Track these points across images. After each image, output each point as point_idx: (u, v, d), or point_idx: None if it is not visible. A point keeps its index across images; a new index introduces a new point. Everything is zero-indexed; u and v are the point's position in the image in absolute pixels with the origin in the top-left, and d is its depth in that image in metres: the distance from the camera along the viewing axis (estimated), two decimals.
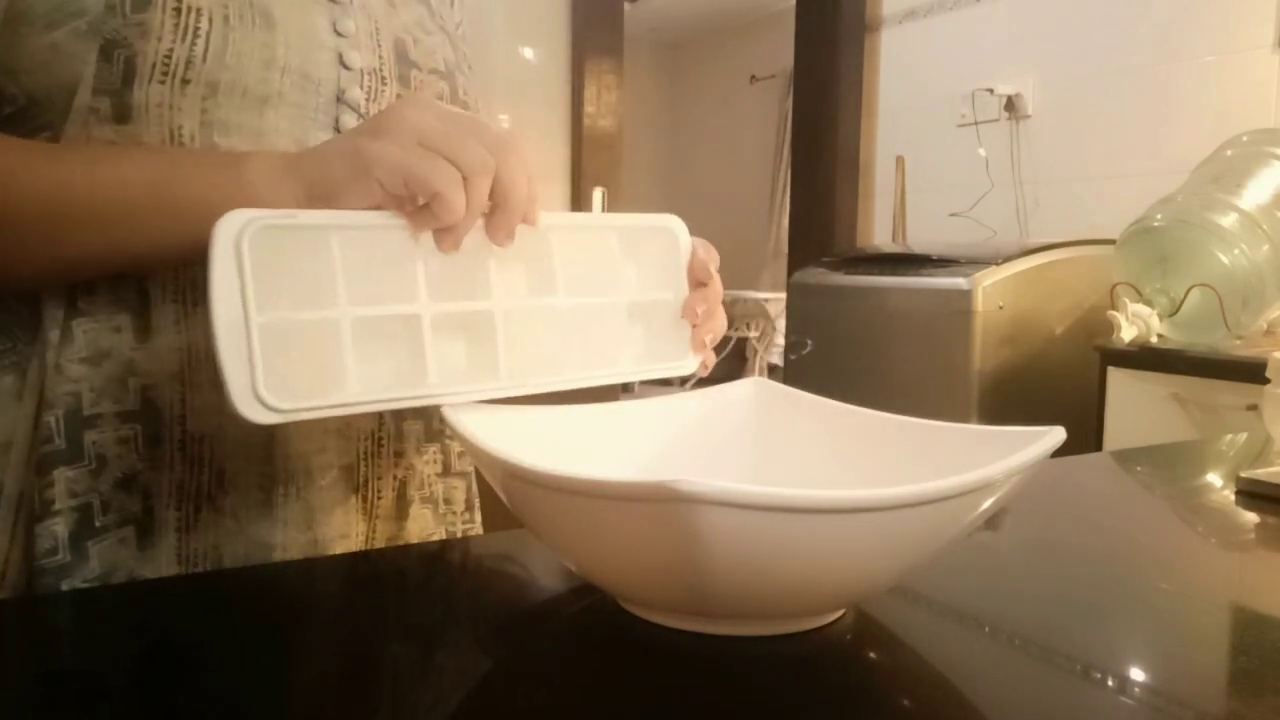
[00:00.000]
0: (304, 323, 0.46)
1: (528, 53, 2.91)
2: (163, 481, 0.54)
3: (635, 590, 0.43)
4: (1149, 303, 1.79)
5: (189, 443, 0.54)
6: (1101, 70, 2.39)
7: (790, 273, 2.62)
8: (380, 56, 0.60)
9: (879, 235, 3.05)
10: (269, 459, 0.56)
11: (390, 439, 0.62)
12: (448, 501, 0.67)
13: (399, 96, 0.61)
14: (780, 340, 4.88)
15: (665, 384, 5.77)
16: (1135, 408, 1.76)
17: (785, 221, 4.36)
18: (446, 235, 0.49)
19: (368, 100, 0.59)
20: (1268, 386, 0.77)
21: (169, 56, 0.51)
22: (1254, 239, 1.71)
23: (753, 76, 6.18)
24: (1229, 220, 1.73)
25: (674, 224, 0.59)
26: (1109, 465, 0.87)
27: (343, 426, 0.59)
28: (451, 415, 0.47)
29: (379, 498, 0.61)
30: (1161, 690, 0.39)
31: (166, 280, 0.54)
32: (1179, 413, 1.68)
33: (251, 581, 0.52)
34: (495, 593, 0.51)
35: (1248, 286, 1.70)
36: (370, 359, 0.48)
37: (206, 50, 0.52)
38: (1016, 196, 2.60)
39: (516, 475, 0.40)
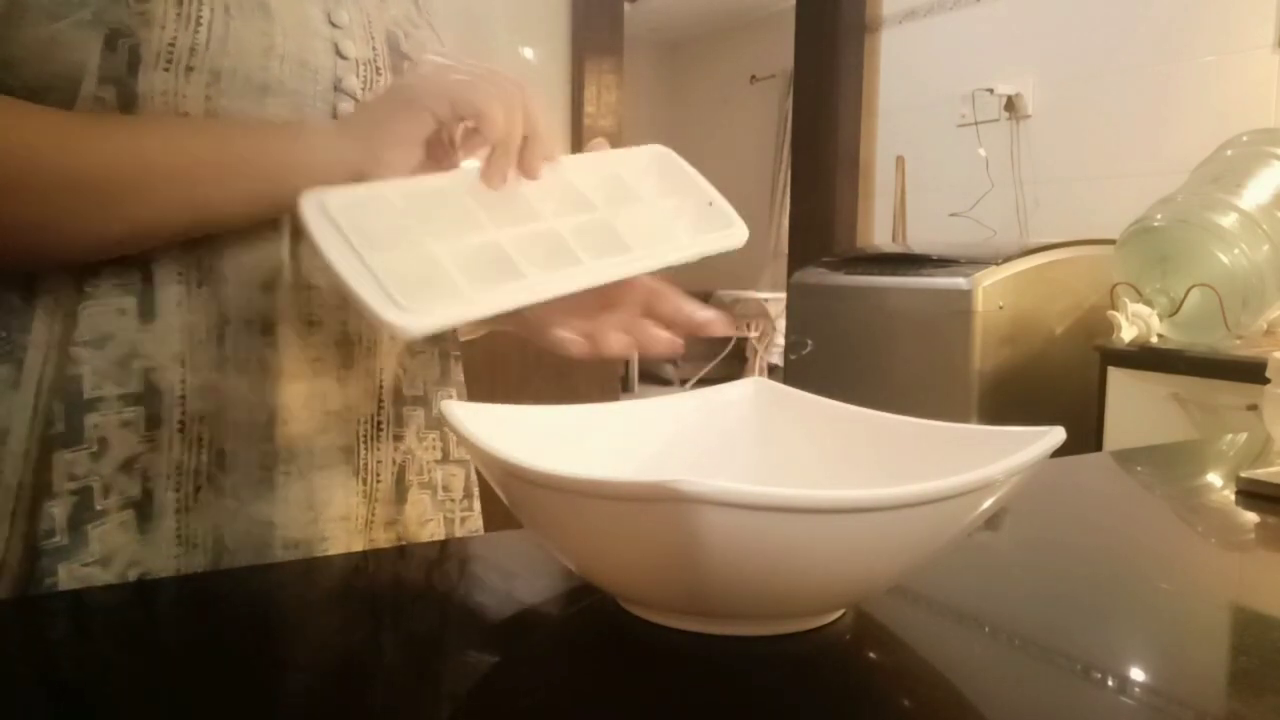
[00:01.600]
0: (411, 258, 0.50)
1: (528, 53, 2.91)
2: (161, 463, 0.54)
3: (635, 590, 0.43)
4: (1149, 303, 1.79)
5: (189, 423, 0.55)
6: (1101, 70, 2.39)
7: (790, 273, 2.62)
8: (374, 48, 0.61)
9: (879, 235, 3.05)
10: (270, 438, 0.56)
11: (389, 423, 0.62)
12: (446, 488, 0.67)
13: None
14: (780, 340, 4.88)
15: (665, 384, 5.77)
16: (1135, 408, 1.76)
17: (785, 221, 4.36)
18: (494, 168, 0.53)
19: (364, 89, 0.60)
20: (1268, 386, 0.77)
21: (173, 44, 0.52)
22: (1254, 239, 1.71)
23: (753, 76, 6.18)
24: (1229, 220, 1.73)
25: (662, 150, 0.65)
26: (1109, 465, 0.87)
27: (343, 409, 0.60)
28: (451, 413, 0.47)
29: (378, 481, 0.62)
30: (1161, 690, 0.39)
31: (171, 261, 0.55)
32: (1179, 413, 1.68)
33: (248, 582, 0.52)
34: (495, 593, 0.51)
35: (1248, 286, 1.70)
36: (473, 279, 0.52)
37: (209, 38, 0.53)
38: (1016, 196, 2.60)
39: (516, 475, 0.40)
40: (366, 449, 0.61)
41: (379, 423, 0.62)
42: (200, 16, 0.53)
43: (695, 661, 0.39)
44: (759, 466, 0.55)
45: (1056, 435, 0.41)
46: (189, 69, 0.53)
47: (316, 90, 0.57)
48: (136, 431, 0.54)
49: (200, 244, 0.55)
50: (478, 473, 0.70)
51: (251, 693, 0.37)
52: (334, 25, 0.59)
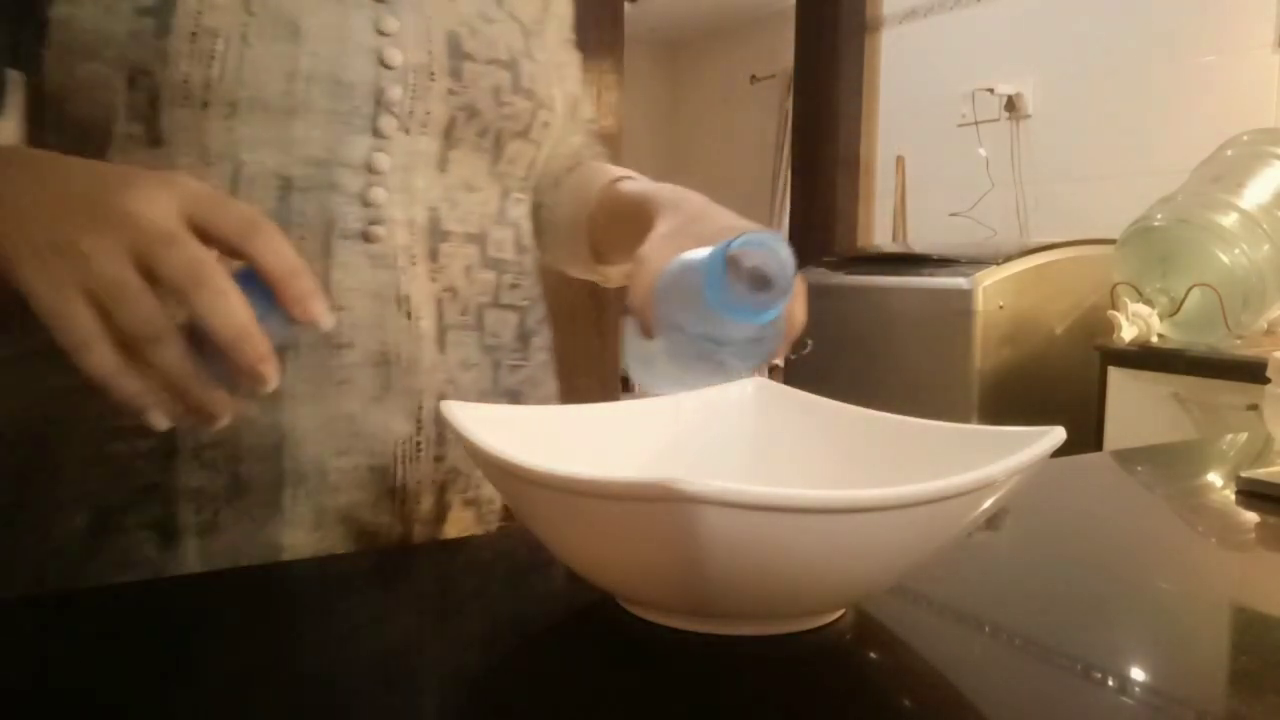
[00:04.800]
0: None
1: None
2: (179, 487, 0.55)
3: (635, 590, 0.43)
4: (1149, 302, 1.79)
5: (202, 450, 0.55)
6: (1101, 70, 2.39)
7: None
8: (430, 52, 0.59)
9: (879, 235, 3.05)
10: (279, 460, 0.56)
11: (429, 444, 0.61)
12: (489, 500, 0.66)
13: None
14: None
15: None
16: (1135, 408, 1.76)
17: (785, 221, 4.36)
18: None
19: (411, 99, 0.58)
20: (1268, 386, 0.77)
21: (186, 81, 0.52)
22: (1254, 238, 1.71)
23: (753, 76, 6.17)
24: (1229, 220, 1.73)
25: None
26: (1109, 465, 0.87)
27: (379, 430, 0.58)
28: (451, 414, 0.47)
29: (417, 502, 0.61)
30: (1161, 690, 0.39)
31: None
32: (1179, 412, 1.68)
33: (246, 583, 0.52)
34: (495, 593, 0.51)
35: (1248, 286, 1.71)
36: None
37: (223, 71, 0.53)
38: (1016, 196, 2.60)
39: (516, 475, 0.40)
40: (404, 469, 0.60)
41: (418, 443, 0.60)
42: (214, 51, 0.52)
43: (695, 661, 0.39)
44: (759, 466, 0.55)
45: (1056, 435, 0.41)
46: (204, 104, 0.53)
47: (353, 106, 0.56)
48: (153, 460, 0.54)
49: None
50: None
51: (249, 692, 0.37)
52: (381, 33, 0.57)
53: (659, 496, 0.34)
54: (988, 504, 0.39)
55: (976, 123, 2.66)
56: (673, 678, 0.38)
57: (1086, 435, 1.82)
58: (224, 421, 0.44)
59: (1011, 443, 0.41)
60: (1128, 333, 1.75)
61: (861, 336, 2.23)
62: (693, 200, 0.65)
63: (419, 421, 0.60)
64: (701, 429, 0.57)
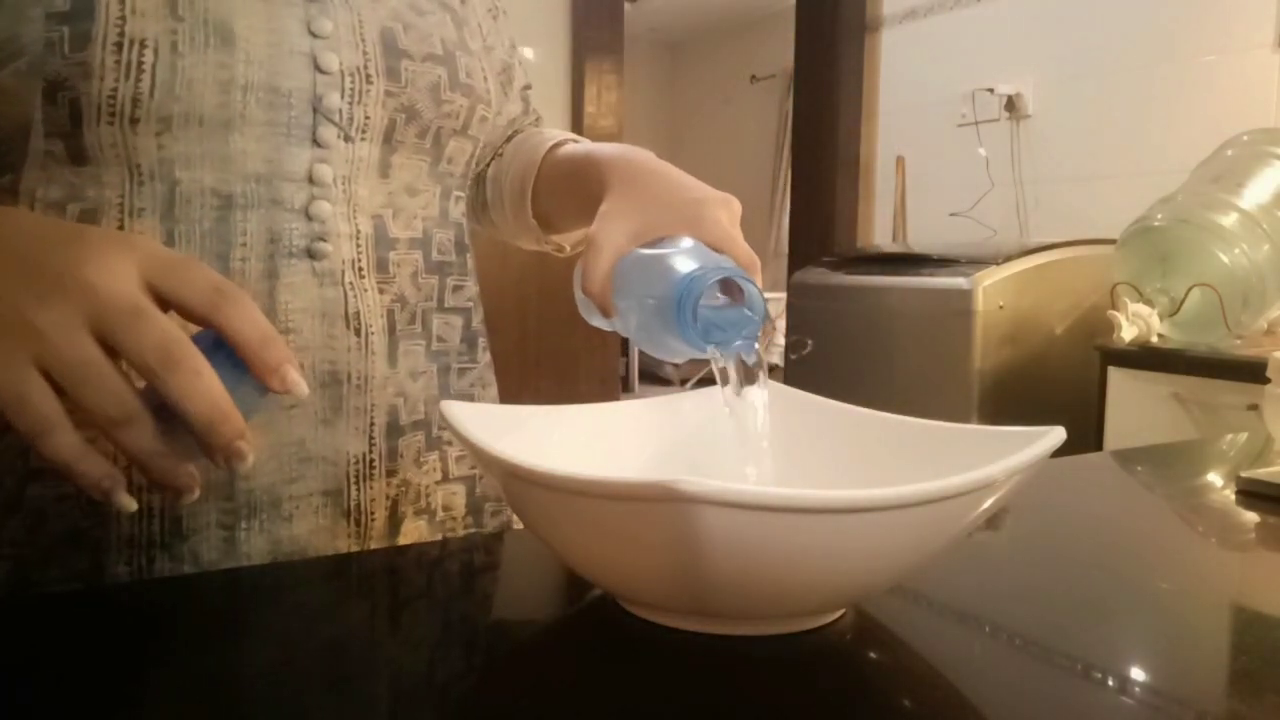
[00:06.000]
0: None
1: (528, 53, 2.92)
2: (110, 537, 0.52)
3: (635, 590, 0.43)
4: (1149, 302, 1.79)
5: (139, 493, 0.51)
6: (1101, 70, 2.39)
7: (790, 273, 2.62)
8: (364, 52, 0.56)
9: (879, 235, 3.05)
10: (230, 495, 0.54)
11: (381, 459, 0.59)
12: (446, 508, 0.65)
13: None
14: (780, 340, 4.87)
15: (665, 384, 5.76)
16: (1136, 407, 1.76)
17: (785, 221, 4.36)
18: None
19: (350, 104, 0.56)
20: (1268, 386, 0.77)
21: (113, 97, 0.49)
22: (1254, 238, 1.71)
23: (753, 76, 6.18)
24: (1229, 220, 1.73)
25: None
26: (1109, 465, 0.87)
27: (330, 452, 0.57)
28: (450, 414, 0.47)
29: (371, 520, 0.59)
30: (1161, 690, 0.39)
31: None
32: (1179, 412, 1.68)
33: (239, 583, 0.52)
34: (495, 593, 0.51)
35: (1248, 286, 1.71)
36: None
37: (153, 85, 0.49)
38: (1016, 196, 2.60)
39: (516, 475, 0.40)
40: (358, 489, 0.58)
41: (371, 461, 0.59)
42: (142, 62, 0.48)
43: (695, 661, 0.39)
44: (759, 466, 0.54)
45: (1056, 435, 0.41)
46: (133, 120, 0.49)
47: (291, 116, 0.53)
48: (78, 505, 0.51)
49: None
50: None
51: (247, 694, 0.37)
52: (314, 35, 0.54)
53: (659, 496, 0.34)
54: (988, 504, 0.39)
55: (976, 123, 2.66)
56: (673, 678, 0.38)
57: (1086, 435, 1.82)
58: (194, 496, 0.41)
59: (1011, 443, 0.41)
60: (1128, 333, 1.75)
61: (861, 336, 2.23)
62: (640, 163, 0.62)
63: (371, 439, 0.59)
64: (701, 429, 0.57)
